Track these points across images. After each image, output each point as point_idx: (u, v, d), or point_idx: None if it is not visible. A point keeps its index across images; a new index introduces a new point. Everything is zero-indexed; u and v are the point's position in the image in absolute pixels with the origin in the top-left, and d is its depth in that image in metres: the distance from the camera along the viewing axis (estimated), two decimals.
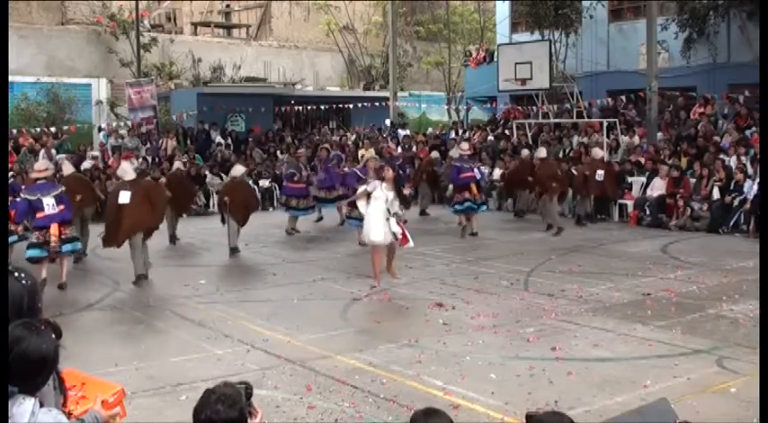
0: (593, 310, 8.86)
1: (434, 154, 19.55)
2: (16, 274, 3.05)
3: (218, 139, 23.45)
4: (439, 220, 17.05)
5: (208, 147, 22.89)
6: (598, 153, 16.59)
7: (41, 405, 2.72)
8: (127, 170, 11.14)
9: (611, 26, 23.76)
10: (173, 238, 14.21)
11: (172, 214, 13.77)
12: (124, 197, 10.37)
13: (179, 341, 7.85)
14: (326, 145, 18.33)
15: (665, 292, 9.61)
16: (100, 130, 23.88)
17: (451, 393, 6.16)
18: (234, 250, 12.96)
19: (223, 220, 13.09)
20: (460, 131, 25.10)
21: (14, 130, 20.67)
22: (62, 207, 10.33)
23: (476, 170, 14.74)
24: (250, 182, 16.98)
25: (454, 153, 16.62)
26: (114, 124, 24.39)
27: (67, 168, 12.63)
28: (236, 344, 7.66)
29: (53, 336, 2.82)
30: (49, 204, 10.21)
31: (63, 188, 10.62)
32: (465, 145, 16.51)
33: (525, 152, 17.12)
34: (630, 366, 6.83)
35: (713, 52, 20.63)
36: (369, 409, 5.86)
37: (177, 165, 15.38)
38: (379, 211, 9.91)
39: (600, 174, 15.85)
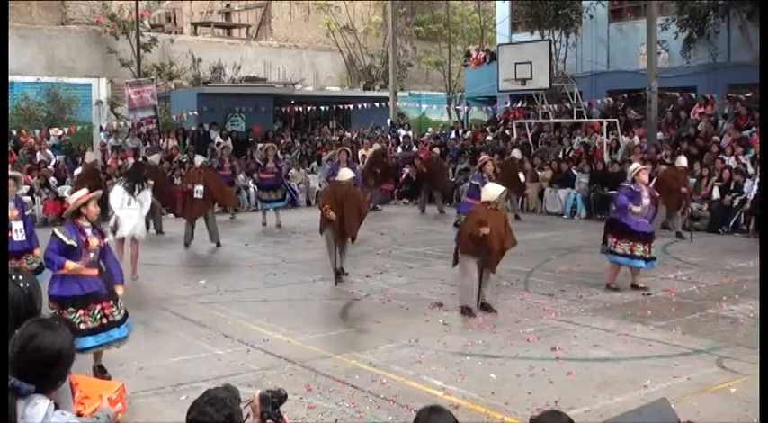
0: (593, 310, 8.86)
1: (376, 146, 19.83)
2: (14, 277, 3.05)
3: (218, 139, 23.44)
4: (439, 220, 17.06)
5: (206, 146, 22.87)
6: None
7: (56, 407, 2.71)
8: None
9: (611, 26, 23.75)
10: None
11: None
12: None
13: (179, 341, 7.85)
14: (345, 148, 16.84)
15: (665, 292, 9.62)
16: (101, 130, 23.88)
17: (451, 393, 6.16)
18: (339, 275, 10.45)
19: (321, 232, 10.66)
20: (461, 131, 25.13)
21: (14, 131, 20.66)
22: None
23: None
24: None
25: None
26: (115, 124, 24.39)
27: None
28: (236, 344, 7.66)
29: (68, 332, 2.82)
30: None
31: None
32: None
33: (683, 159, 14.16)
34: (630, 366, 6.83)
35: (713, 52, 20.62)
36: (369, 409, 5.86)
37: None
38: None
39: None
